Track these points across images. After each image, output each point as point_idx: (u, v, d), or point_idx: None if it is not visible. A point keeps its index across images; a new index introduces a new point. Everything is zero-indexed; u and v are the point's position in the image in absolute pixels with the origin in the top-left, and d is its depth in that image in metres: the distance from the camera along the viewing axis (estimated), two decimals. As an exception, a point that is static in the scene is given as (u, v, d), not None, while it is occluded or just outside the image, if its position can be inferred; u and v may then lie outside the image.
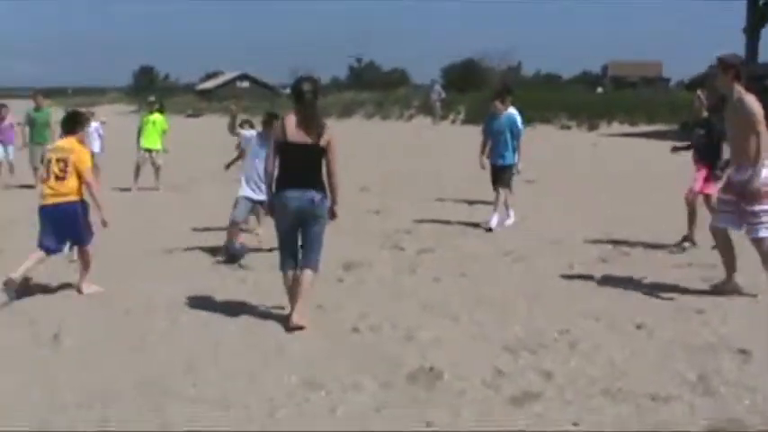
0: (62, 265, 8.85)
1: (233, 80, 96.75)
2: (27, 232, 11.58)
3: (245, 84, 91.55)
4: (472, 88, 47.90)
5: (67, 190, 7.94)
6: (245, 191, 9.48)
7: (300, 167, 6.67)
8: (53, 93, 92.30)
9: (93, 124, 17.20)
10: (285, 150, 6.66)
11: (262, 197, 8.77)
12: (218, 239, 9.93)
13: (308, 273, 6.84)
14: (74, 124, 8.27)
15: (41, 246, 8.02)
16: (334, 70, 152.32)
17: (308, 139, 6.63)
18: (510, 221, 11.56)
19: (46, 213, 7.98)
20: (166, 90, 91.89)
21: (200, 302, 7.52)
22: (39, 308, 7.50)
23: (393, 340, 6.41)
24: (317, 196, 6.69)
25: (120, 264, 9.02)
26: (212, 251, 9.74)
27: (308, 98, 6.66)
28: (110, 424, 4.91)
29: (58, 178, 7.93)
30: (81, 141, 8.25)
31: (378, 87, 53.72)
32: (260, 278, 8.45)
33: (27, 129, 17.34)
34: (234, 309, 7.28)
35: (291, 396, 5.25)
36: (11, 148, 17.64)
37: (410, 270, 8.89)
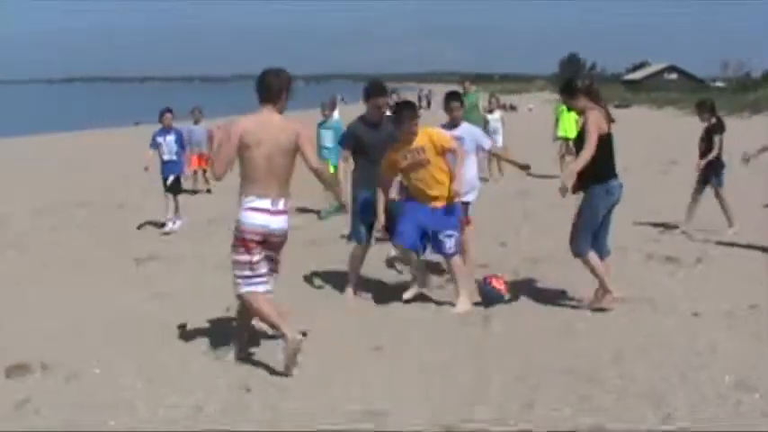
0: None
1: (660, 72, 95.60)
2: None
3: (673, 76, 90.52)
4: None
5: None
6: None
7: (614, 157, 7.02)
8: (480, 79, 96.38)
9: (495, 114, 16.93)
10: (608, 142, 6.89)
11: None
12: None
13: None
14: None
15: None
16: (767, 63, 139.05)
17: (611, 129, 7.00)
18: None
19: None
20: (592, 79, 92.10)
21: (629, 293, 7.37)
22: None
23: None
24: None
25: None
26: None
27: (598, 91, 7.09)
28: (536, 407, 5.07)
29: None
30: None
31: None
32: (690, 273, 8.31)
33: None
34: (669, 301, 7.24)
35: (723, 397, 5.08)
36: None
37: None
